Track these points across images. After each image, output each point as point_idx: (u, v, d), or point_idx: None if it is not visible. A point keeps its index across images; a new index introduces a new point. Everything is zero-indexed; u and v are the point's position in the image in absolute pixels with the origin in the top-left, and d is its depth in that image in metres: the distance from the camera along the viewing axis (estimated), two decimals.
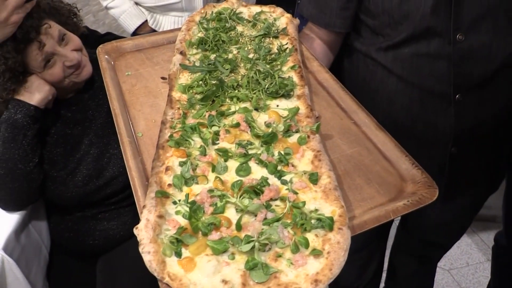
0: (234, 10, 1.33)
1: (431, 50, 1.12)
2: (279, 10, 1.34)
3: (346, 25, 1.28)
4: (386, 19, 1.16)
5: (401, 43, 1.15)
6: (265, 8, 1.35)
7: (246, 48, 1.20)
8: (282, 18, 1.31)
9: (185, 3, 1.94)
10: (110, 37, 1.63)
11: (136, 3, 2.00)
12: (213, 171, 0.87)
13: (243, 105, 1.03)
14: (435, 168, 1.18)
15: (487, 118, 1.18)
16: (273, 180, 0.85)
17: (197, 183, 0.85)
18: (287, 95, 1.05)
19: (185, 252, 0.73)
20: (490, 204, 1.63)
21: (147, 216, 0.76)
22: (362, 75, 1.29)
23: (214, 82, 1.07)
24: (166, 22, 2.00)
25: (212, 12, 1.33)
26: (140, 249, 0.72)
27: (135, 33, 2.00)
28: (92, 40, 1.55)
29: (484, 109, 1.17)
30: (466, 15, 1.06)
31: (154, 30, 2.00)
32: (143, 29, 2.00)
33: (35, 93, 1.32)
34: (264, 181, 0.84)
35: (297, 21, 1.31)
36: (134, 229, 0.74)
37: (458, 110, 1.17)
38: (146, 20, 2.01)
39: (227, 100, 1.04)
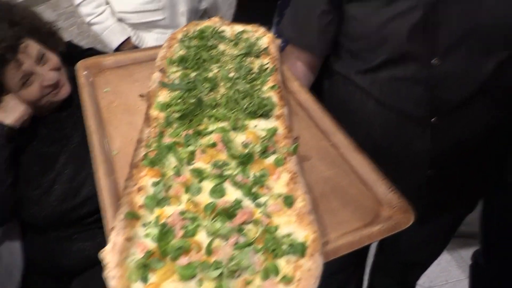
0: (217, 28, 1.32)
1: (408, 74, 1.13)
2: (261, 29, 1.34)
3: (326, 48, 1.29)
4: (365, 43, 1.17)
5: (378, 67, 1.16)
6: (248, 27, 1.35)
7: (226, 67, 1.19)
8: (264, 38, 1.31)
9: (169, 20, 1.94)
10: (92, 52, 1.62)
11: (120, 20, 1.99)
12: (186, 192, 0.85)
13: (221, 124, 1.01)
14: (413, 190, 1.17)
15: (463, 141, 1.19)
16: (247, 202, 0.83)
17: (169, 204, 0.82)
18: (266, 115, 1.04)
19: (152, 277, 0.70)
20: (470, 221, 1.62)
21: (114, 238, 0.73)
22: (342, 96, 1.30)
23: (192, 100, 1.05)
24: (149, 39, 1.99)
25: (195, 30, 1.32)
26: (105, 274, 0.69)
27: (118, 50, 1.99)
28: (74, 55, 1.53)
29: (460, 132, 1.18)
30: (442, 40, 1.07)
31: (137, 47, 1.99)
32: (126, 46, 1.98)
33: (10, 113, 1.29)
34: (237, 204, 0.81)
35: (279, 41, 1.32)
36: (100, 252, 0.71)
37: (435, 133, 1.17)
38: (129, 37, 2.00)
39: (205, 119, 1.03)
